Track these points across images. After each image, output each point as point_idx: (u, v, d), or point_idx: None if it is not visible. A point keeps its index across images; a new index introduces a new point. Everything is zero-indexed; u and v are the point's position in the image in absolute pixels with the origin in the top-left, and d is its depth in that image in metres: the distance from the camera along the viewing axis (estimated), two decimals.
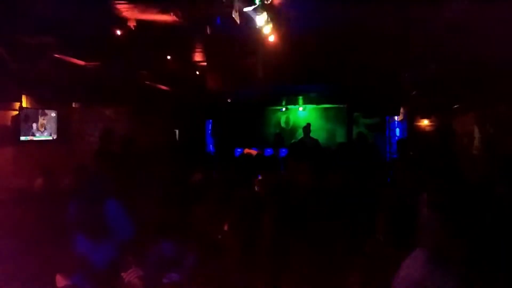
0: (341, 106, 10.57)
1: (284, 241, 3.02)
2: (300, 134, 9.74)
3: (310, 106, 11.31)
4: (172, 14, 4.80)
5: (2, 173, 5.58)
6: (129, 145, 5.85)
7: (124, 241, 3.08)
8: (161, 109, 8.90)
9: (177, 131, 9.92)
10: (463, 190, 2.90)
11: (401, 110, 8.35)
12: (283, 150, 8.23)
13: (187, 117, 9.20)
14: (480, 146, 6.40)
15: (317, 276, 2.74)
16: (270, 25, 4.91)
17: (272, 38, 5.33)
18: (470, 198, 2.63)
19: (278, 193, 3.57)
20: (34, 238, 3.20)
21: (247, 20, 4.64)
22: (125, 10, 4.75)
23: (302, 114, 11.47)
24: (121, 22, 5.02)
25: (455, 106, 7.61)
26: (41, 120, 6.56)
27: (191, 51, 6.93)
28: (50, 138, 6.73)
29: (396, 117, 8.62)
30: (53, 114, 6.80)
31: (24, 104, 6.34)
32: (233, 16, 4.29)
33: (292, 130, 11.49)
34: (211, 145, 9.89)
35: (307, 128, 8.25)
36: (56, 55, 6.33)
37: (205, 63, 7.63)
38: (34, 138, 6.40)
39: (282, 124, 11.79)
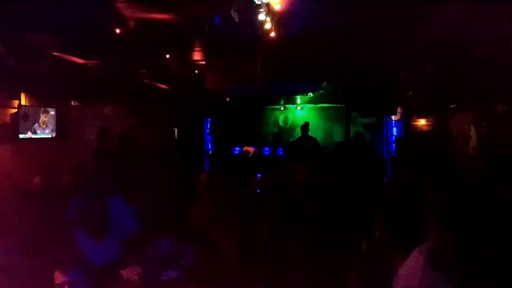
0: (339, 105, 10.62)
1: (282, 240, 3.04)
2: (298, 133, 9.77)
3: (308, 105, 11.35)
4: (171, 13, 4.82)
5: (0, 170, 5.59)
6: (127, 143, 5.87)
7: (126, 238, 3.11)
8: (160, 107, 8.91)
9: (176, 130, 9.94)
10: (461, 189, 2.93)
11: (398, 109, 8.38)
12: (281, 149, 8.26)
13: (186, 115, 9.21)
14: (477, 145, 6.44)
15: (316, 275, 2.77)
16: (269, 24, 4.94)
17: (270, 37, 5.35)
18: (468, 198, 2.67)
19: (276, 192, 3.60)
20: (33, 235, 3.22)
21: (246, 19, 4.66)
22: (124, 8, 4.77)
23: (300, 113, 11.51)
24: (121, 20, 5.03)
25: (452, 106, 7.65)
26: (42, 117, 6.60)
27: (190, 50, 6.94)
28: (50, 136, 6.74)
29: (393, 117, 8.65)
30: (52, 112, 6.81)
31: (23, 102, 6.35)
32: (232, 15, 4.32)
33: (291, 129, 11.53)
34: (209, 144, 9.91)
35: (305, 126, 8.28)
36: (55, 53, 6.34)
37: (204, 62, 7.65)
38: (33, 136, 6.41)
39: (281, 123, 11.83)
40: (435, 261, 1.88)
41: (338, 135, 10.89)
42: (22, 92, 6.36)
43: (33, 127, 6.42)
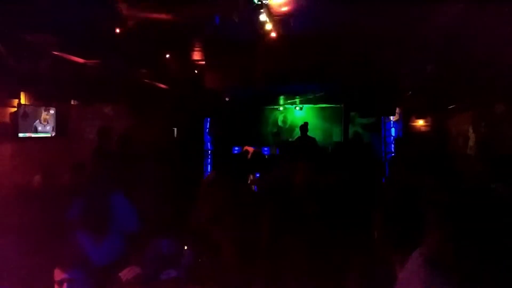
0: (338, 105, 10.64)
1: (281, 240, 3.05)
2: (297, 133, 9.80)
3: (307, 106, 11.37)
4: (171, 13, 4.83)
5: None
6: (127, 143, 5.88)
7: (127, 237, 3.12)
8: (159, 107, 8.92)
9: (175, 130, 9.95)
10: (460, 189, 2.95)
11: (397, 110, 8.40)
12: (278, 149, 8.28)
13: (185, 115, 9.22)
14: (475, 145, 6.46)
15: (316, 275, 2.77)
16: (269, 24, 4.95)
17: (270, 37, 5.37)
18: (467, 198, 2.68)
19: (275, 192, 3.61)
20: (34, 233, 3.23)
21: (246, 19, 4.67)
22: (124, 8, 4.77)
23: (299, 113, 11.53)
24: (121, 20, 5.04)
25: (451, 106, 7.67)
26: (44, 114, 6.65)
27: (190, 50, 6.95)
28: (49, 135, 6.75)
29: (391, 117, 8.67)
30: (52, 111, 6.82)
31: (22, 101, 6.35)
32: (232, 15, 4.33)
33: (290, 129, 11.55)
34: (209, 143, 9.92)
35: (304, 127, 8.29)
36: (55, 53, 6.34)
37: (203, 62, 7.66)
38: (33, 135, 6.42)
39: (280, 123, 11.85)
40: (434, 262, 1.89)
41: (337, 136, 10.90)
42: (22, 91, 6.36)
43: (34, 124, 6.45)
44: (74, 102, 7.51)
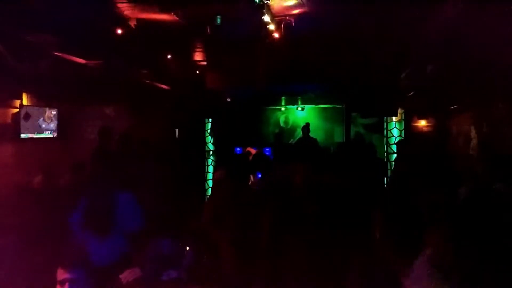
0: (339, 106, 10.62)
1: (282, 240, 3.05)
2: (299, 133, 9.78)
3: (309, 106, 11.35)
4: (172, 13, 4.83)
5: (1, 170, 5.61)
6: (128, 143, 5.88)
7: (130, 237, 3.11)
8: (161, 107, 8.93)
9: (176, 130, 9.96)
10: (461, 190, 2.94)
11: (399, 110, 8.38)
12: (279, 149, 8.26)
13: (186, 116, 9.23)
14: (477, 146, 6.44)
15: (316, 275, 2.77)
16: (270, 25, 4.95)
17: (272, 38, 5.36)
18: (468, 198, 2.66)
19: (276, 192, 3.60)
20: (36, 233, 3.23)
21: (247, 19, 4.67)
22: (125, 9, 4.78)
23: (301, 113, 11.51)
24: (122, 21, 5.04)
25: (453, 107, 7.65)
26: (48, 112, 6.68)
27: (191, 51, 6.96)
28: (51, 135, 6.76)
29: (393, 117, 8.65)
30: (54, 112, 6.84)
31: (24, 102, 6.36)
32: (233, 15, 4.33)
33: (291, 130, 11.53)
34: (210, 144, 9.92)
35: (305, 127, 8.27)
36: (56, 53, 6.35)
37: (205, 62, 7.67)
38: (35, 136, 6.43)
39: (281, 124, 11.84)
40: (436, 262, 1.88)
41: (338, 136, 10.88)
42: (24, 92, 6.37)
43: (38, 122, 6.48)
44: (75, 102, 7.52)
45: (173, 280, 2.69)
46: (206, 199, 7.87)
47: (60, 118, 6.92)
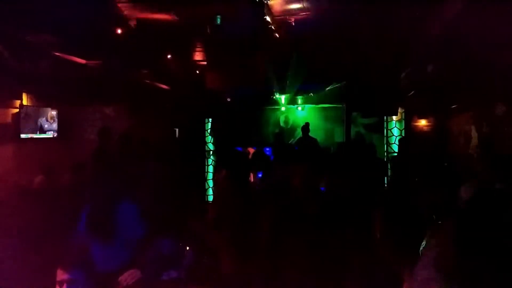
0: (340, 106, 10.61)
1: (282, 240, 3.04)
2: (299, 133, 9.77)
3: (309, 106, 11.35)
4: (172, 13, 4.83)
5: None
6: (128, 143, 5.87)
7: (133, 243, 3.09)
8: (161, 108, 8.92)
9: (177, 130, 9.95)
10: (461, 190, 2.93)
11: (399, 110, 8.38)
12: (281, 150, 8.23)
13: (186, 116, 9.23)
14: (477, 145, 6.44)
15: (316, 276, 2.77)
16: (270, 25, 4.95)
17: (272, 38, 5.36)
18: (469, 198, 2.66)
19: (276, 192, 3.60)
20: (36, 234, 3.23)
21: (247, 19, 4.67)
22: (125, 9, 4.78)
23: (301, 113, 11.51)
24: (122, 21, 5.04)
25: (453, 106, 7.65)
26: (51, 112, 6.69)
27: (191, 51, 6.96)
28: (53, 135, 6.77)
29: (394, 117, 8.65)
30: (54, 113, 6.84)
31: (24, 102, 6.37)
32: (234, 15, 4.33)
33: (292, 130, 11.52)
34: (210, 144, 9.91)
35: (305, 127, 8.27)
36: (56, 54, 6.36)
37: (205, 63, 7.67)
38: (35, 136, 6.43)
39: (282, 124, 11.83)
40: (440, 264, 1.87)
41: (339, 136, 10.87)
42: (24, 92, 6.38)
43: (41, 122, 6.49)
44: (76, 103, 7.53)
45: (173, 280, 2.70)
46: (206, 199, 7.88)
47: (60, 118, 6.93)
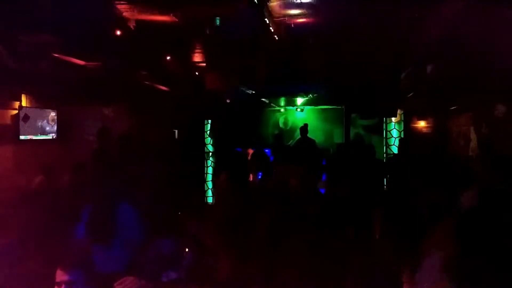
0: (339, 107, 10.62)
1: (281, 240, 3.04)
2: (298, 134, 9.78)
3: (308, 107, 11.37)
4: (172, 14, 4.83)
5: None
6: (127, 144, 5.87)
7: (133, 245, 3.08)
8: (160, 109, 8.92)
9: (176, 131, 9.95)
10: (462, 190, 2.93)
11: (398, 111, 8.39)
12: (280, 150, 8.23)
13: (186, 117, 9.24)
14: (477, 146, 6.45)
15: (315, 276, 2.77)
16: (270, 26, 4.95)
17: (271, 39, 5.37)
18: (469, 199, 2.66)
19: (275, 194, 3.60)
20: (36, 235, 3.23)
21: (247, 20, 4.67)
22: (125, 10, 4.78)
23: (300, 115, 11.52)
24: (121, 22, 5.04)
25: (452, 108, 7.66)
26: (51, 114, 6.70)
27: (191, 51, 6.96)
28: (50, 137, 6.76)
29: (393, 119, 8.65)
30: (53, 114, 6.84)
31: (23, 103, 6.36)
32: (233, 16, 4.33)
33: (291, 131, 11.53)
34: (209, 145, 9.92)
35: (304, 128, 8.27)
36: (55, 55, 6.35)
37: (204, 64, 7.67)
38: (34, 137, 6.42)
39: (281, 125, 11.85)
40: (445, 265, 1.87)
41: (338, 137, 10.88)
42: (23, 93, 6.37)
43: (42, 124, 6.49)
44: (75, 104, 7.52)
45: (173, 280, 2.69)
46: (205, 200, 7.87)
47: (59, 119, 6.92)
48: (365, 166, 5.37)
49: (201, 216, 3.85)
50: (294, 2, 4.64)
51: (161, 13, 4.82)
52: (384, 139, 8.98)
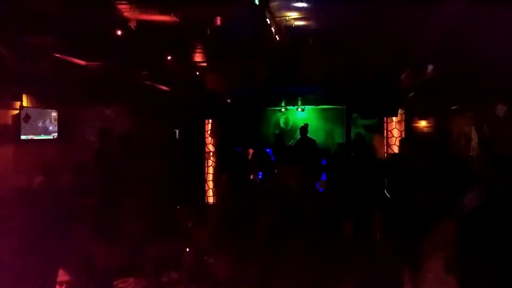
0: (340, 107, 10.62)
1: (281, 241, 3.05)
2: (299, 134, 9.79)
3: (309, 107, 11.37)
4: (172, 14, 4.83)
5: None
6: (128, 144, 5.88)
7: (133, 242, 3.10)
8: (161, 109, 8.93)
9: (177, 131, 9.96)
10: (462, 190, 2.93)
11: (399, 111, 8.38)
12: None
13: (187, 117, 9.24)
14: (478, 146, 6.44)
15: (316, 276, 2.77)
16: (270, 26, 4.95)
17: (272, 39, 5.36)
18: (470, 199, 2.66)
19: (275, 193, 3.61)
20: (37, 235, 3.23)
21: (247, 21, 4.67)
22: (125, 10, 4.77)
23: (301, 114, 11.53)
24: (122, 22, 5.04)
25: (453, 107, 7.65)
26: (53, 115, 6.72)
27: (191, 52, 6.96)
28: (51, 137, 6.77)
29: (394, 118, 8.64)
30: (54, 114, 6.85)
31: (24, 103, 6.37)
32: (234, 17, 4.33)
33: (291, 131, 11.53)
34: (210, 145, 9.91)
35: (304, 128, 8.27)
36: (56, 55, 6.36)
37: (205, 64, 7.67)
38: (35, 137, 6.43)
39: (282, 125, 11.85)
40: (450, 265, 1.87)
41: (339, 137, 10.89)
42: (24, 93, 6.38)
43: (45, 124, 6.51)
44: (76, 104, 7.53)
45: (173, 280, 2.70)
46: (206, 200, 7.87)
47: (60, 119, 6.93)
48: (365, 166, 5.37)
49: (202, 216, 3.86)
50: (294, 2, 4.64)
51: (162, 13, 4.82)
52: (385, 139, 8.98)
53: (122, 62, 6.79)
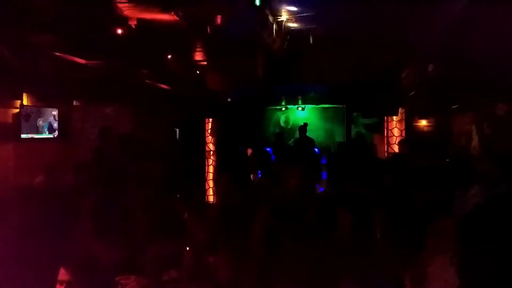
0: (340, 106, 10.62)
1: (281, 241, 3.05)
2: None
3: (309, 106, 11.37)
4: (173, 13, 4.83)
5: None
6: (129, 143, 5.88)
7: (133, 240, 3.10)
8: (161, 108, 8.93)
9: (177, 130, 9.96)
10: (462, 190, 2.94)
11: (400, 110, 8.38)
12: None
13: (187, 116, 9.24)
14: (478, 145, 6.44)
15: (315, 276, 2.77)
16: (271, 25, 4.95)
17: (272, 38, 5.36)
18: (470, 199, 2.66)
19: (275, 192, 3.61)
20: (37, 234, 3.23)
21: (248, 20, 4.67)
22: (126, 9, 4.77)
23: (301, 113, 11.53)
24: (122, 21, 5.04)
25: (454, 106, 7.65)
26: (53, 114, 6.81)
27: (192, 51, 6.95)
28: (52, 136, 6.78)
29: (394, 117, 8.64)
30: (54, 113, 6.85)
31: (25, 102, 6.37)
32: (234, 16, 4.33)
33: (292, 130, 11.54)
34: (210, 144, 9.92)
35: (303, 128, 8.26)
36: (57, 54, 6.36)
37: (205, 63, 7.66)
38: (35, 136, 6.44)
39: (282, 124, 11.86)
40: (455, 262, 1.87)
41: (339, 136, 10.90)
42: (24, 92, 6.38)
43: (43, 123, 6.52)
44: (76, 103, 7.54)
45: (173, 279, 2.70)
46: (206, 200, 7.88)
47: (60, 118, 6.93)
48: (366, 165, 5.37)
49: (202, 215, 3.86)
50: (295, 2, 4.64)
51: (162, 12, 4.82)
52: (386, 138, 8.98)
53: (122, 61, 6.79)
